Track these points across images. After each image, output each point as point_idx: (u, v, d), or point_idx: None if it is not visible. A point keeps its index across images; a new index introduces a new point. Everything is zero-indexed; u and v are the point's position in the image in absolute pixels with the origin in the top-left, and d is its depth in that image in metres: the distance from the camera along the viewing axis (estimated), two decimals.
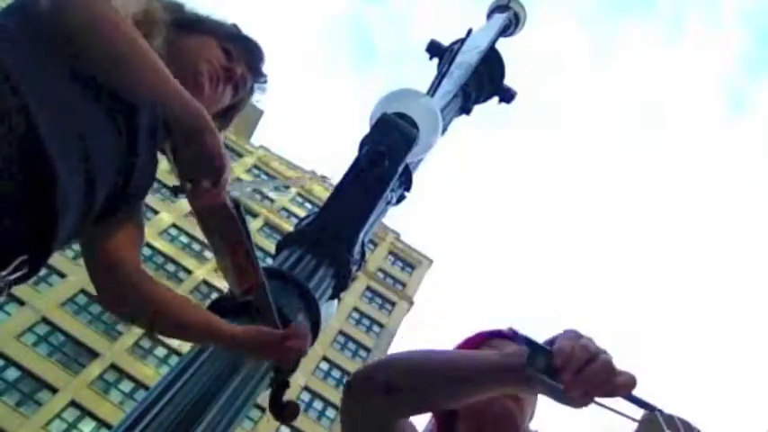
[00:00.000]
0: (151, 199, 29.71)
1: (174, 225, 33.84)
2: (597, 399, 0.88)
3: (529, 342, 0.91)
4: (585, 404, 0.89)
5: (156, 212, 33.15)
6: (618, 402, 0.88)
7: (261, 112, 46.38)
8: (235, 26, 1.64)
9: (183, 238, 33.99)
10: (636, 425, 0.86)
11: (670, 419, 0.85)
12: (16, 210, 1.01)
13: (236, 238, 1.35)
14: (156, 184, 1.51)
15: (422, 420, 1.35)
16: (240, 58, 1.57)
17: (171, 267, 32.45)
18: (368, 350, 34.19)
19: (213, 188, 1.24)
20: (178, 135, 1.21)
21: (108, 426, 24.32)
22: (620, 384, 0.87)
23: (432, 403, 1.13)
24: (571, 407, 0.90)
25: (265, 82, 1.67)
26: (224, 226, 1.33)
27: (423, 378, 1.06)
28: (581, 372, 0.86)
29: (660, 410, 0.87)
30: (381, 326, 36.09)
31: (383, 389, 1.07)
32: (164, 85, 1.20)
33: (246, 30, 1.66)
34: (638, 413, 0.87)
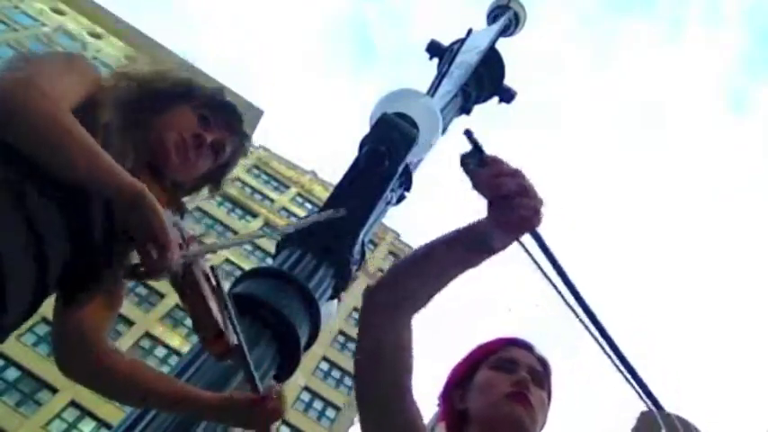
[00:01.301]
0: None
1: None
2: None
3: (474, 143, 1.03)
4: (490, 190, 1.02)
5: None
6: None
7: (261, 112, 46.35)
8: (217, 90, 1.70)
9: None
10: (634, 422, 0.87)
11: (668, 418, 0.86)
12: None
13: (205, 304, 1.37)
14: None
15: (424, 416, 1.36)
16: (218, 123, 1.63)
17: None
18: None
19: (160, 259, 1.23)
20: (118, 213, 1.25)
21: (108, 426, 24.29)
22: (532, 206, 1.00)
23: (426, 283, 1.22)
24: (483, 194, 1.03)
25: (248, 142, 1.76)
26: (194, 293, 1.36)
27: (414, 263, 1.21)
28: (501, 175, 1.01)
29: (660, 408, 0.87)
30: None
31: (391, 280, 1.23)
32: (96, 168, 1.24)
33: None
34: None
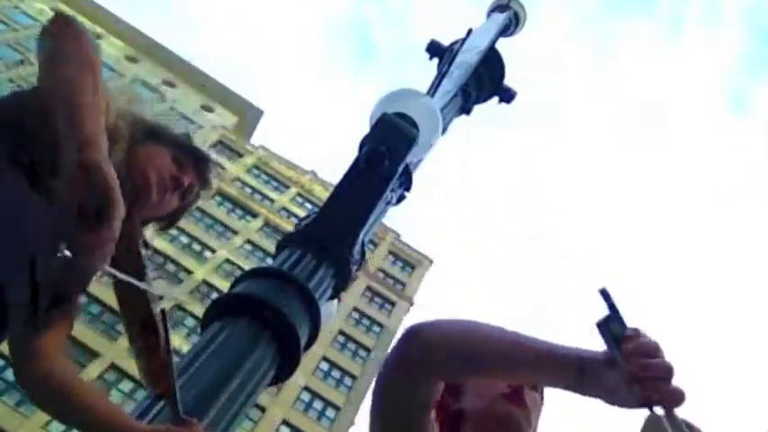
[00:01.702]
0: None
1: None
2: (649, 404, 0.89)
3: (611, 305, 0.94)
4: (634, 400, 0.90)
5: None
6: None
7: (261, 112, 46.32)
8: (187, 135, 1.76)
9: (184, 238, 33.98)
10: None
11: (674, 421, 0.86)
12: None
13: (153, 329, 1.49)
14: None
15: None
16: (189, 168, 1.69)
17: (171, 267, 32.44)
18: (368, 350, 34.15)
19: (100, 225, 1.06)
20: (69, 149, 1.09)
21: None
22: (673, 389, 0.88)
23: (480, 375, 1.17)
24: (618, 403, 0.93)
25: (211, 189, 1.81)
26: (138, 303, 1.47)
27: (480, 349, 1.07)
28: (644, 355, 0.89)
29: (666, 411, 0.87)
30: (381, 326, 36.05)
31: (440, 355, 1.08)
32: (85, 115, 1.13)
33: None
34: None
